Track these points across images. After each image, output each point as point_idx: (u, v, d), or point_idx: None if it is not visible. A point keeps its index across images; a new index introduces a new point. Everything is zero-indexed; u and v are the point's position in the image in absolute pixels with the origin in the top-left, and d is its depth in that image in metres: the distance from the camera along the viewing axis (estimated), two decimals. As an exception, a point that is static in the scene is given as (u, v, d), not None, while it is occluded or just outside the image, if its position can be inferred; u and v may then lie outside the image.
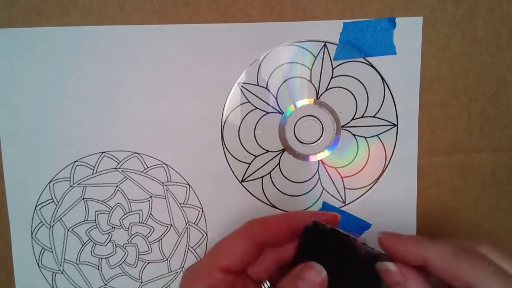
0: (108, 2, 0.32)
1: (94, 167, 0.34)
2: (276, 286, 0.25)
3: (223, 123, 0.33)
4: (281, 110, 0.33)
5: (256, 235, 0.26)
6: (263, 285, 0.27)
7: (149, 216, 0.34)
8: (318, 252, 0.26)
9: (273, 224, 0.27)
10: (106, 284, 0.34)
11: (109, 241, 0.34)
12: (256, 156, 0.34)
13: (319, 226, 0.26)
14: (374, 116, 0.33)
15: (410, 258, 0.24)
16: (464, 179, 0.35)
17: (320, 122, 0.34)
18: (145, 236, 0.34)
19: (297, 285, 0.24)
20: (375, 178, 0.34)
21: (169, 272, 0.35)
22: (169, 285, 0.35)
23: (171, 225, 0.34)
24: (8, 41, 0.32)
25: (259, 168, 0.34)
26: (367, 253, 0.25)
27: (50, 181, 0.34)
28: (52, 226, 0.34)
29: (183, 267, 0.35)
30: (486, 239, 0.27)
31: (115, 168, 0.34)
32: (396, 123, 0.33)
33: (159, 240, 0.34)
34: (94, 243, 0.34)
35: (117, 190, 0.34)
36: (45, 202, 0.34)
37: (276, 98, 0.33)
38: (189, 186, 0.34)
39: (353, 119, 0.33)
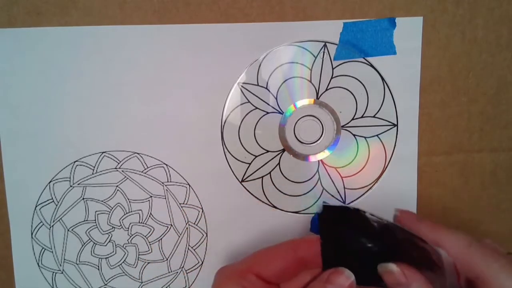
0: (108, 2, 0.32)
1: (94, 167, 0.34)
2: None
3: (223, 123, 0.33)
4: (281, 110, 0.33)
5: (297, 251, 0.27)
6: None
7: (149, 216, 0.34)
8: (336, 231, 0.27)
9: (316, 244, 0.27)
10: (106, 284, 0.34)
11: (109, 241, 0.34)
12: (256, 156, 0.34)
13: (330, 207, 0.27)
14: (374, 116, 0.33)
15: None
16: (464, 179, 0.35)
17: (320, 122, 0.34)
18: (145, 236, 0.34)
19: None
20: (375, 178, 0.34)
21: (169, 272, 0.35)
22: (169, 285, 0.35)
23: (171, 225, 0.34)
24: (8, 41, 0.32)
25: (259, 168, 0.34)
26: (379, 224, 0.26)
27: (50, 181, 0.34)
28: (52, 226, 0.34)
29: (183, 267, 0.35)
30: (487, 237, 0.27)
31: (115, 168, 0.34)
32: (396, 123, 0.34)
33: (159, 240, 0.34)
34: (94, 243, 0.34)
35: (117, 190, 0.34)
36: (45, 202, 0.34)
37: (276, 98, 0.33)
38: (189, 186, 0.34)
39: (353, 119, 0.33)
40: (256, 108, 0.33)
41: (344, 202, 0.34)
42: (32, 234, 0.34)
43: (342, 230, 0.27)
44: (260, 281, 0.26)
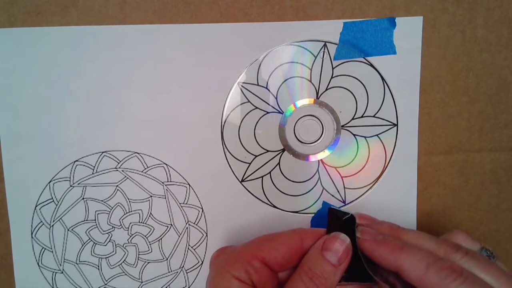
0: (108, 2, 0.32)
1: (94, 167, 0.34)
2: (302, 261, 0.26)
3: (223, 123, 0.33)
4: (281, 110, 0.33)
5: (303, 241, 0.26)
6: None
7: (149, 216, 0.34)
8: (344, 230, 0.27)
9: (323, 235, 0.27)
10: (106, 284, 0.35)
11: (109, 241, 0.34)
12: (256, 156, 0.34)
13: (336, 212, 0.27)
14: (374, 116, 0.33)
15: (385, 264, 0.25)
16: (464, 179, 0.35)
17: (320, 122, 0.34)
18: (145, 236, 0.34)
19: (324, 256, 0.25)
20: (375, 178, 0.34)
21: (169, 272, 0.35)
22: (169, 285, 0.35)
23: (171, 225, 0.34)
24: (8, 41, 0.32)
25: (259, 168, 0.34)
26: None
27: (50, 181, 0.34)
28: (52, 226, 0.34)
29: (183, 267, 0.35)
30: (460, 229, 0.28)
31: (115, 168, 0.34)
32: (396, 123, 0.34)
33: (159, 240, 0.34)
34: (94, 243, 0.34)
35: (117, 190, 0.34)
36: (45, 202, 0.34)
37: (276, 98, 0.33)
38: (189, 186, 0.34)
39: (353, 118, 0.33)
40: (256, 108, 0.33)
41: (344, 202, 0.34)
42: (32, 234, 0.34)
43: (348, 234, 0.27)
44: (265, 268, 0.26)
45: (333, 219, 0.27)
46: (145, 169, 0.34)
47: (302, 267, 0.25)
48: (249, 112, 0.33)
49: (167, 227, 0.34)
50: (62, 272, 0.34)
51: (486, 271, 0.23)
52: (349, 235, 0.26)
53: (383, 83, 0.33)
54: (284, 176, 0.34)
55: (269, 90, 0.33)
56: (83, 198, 0.34)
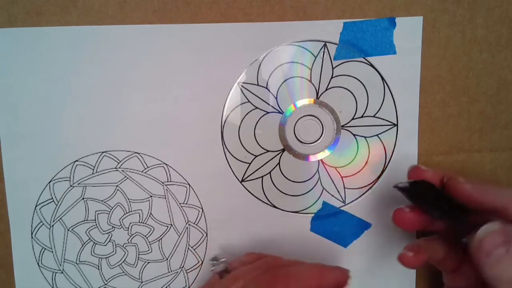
0: (108, 2, 0.32)
1: (94, 167, 0.34)
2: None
3: (223, 123, 0.33)
4: (281, 109, 0.33)
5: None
6: None
7: (149, 216, 0.34)
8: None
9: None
10: (106, 284, 0.35)
11: (109, 241, 0.34)
12: (256, 156, 0.34)
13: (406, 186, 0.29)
14: (374, 116, 0.33)
15: (487, 204, 0.27)
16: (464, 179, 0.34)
17: (320, 122, 0.34)
18: (145, 236, 0.34)
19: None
20: (375, 178, 0.34)
21: (169, 272, 0.35)
22: (169, 285, 0.35)
23: (171, 225, 0.34)
24: (8, 41, 0.32)
25: (259, 168, 0.34)
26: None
27: (50, 181, 0.34)
28: (52, 226, 0.34)
29: (183, 266, 0.35)
30: None
31: (115, 168, 0.34)
32: (396, 123, 0.34)
33: (159, 240, 0.34)
34: (94, 243, 0.34)
35: (117, 190, 0.34)
36: (45, 201, 0.34)
37: (276, 98, 0.33)
38: (189, 186, 0.34)
39: (353, 118, 0.33)
40: (256, 108, 0.33)
41: (344, 202, 0.34)
42: (32, 234, 0.34)
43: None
44: None
45: (411, 191, 0.29)
46: (145, 169, 0.34)
47: None
48: (249, 112, 0.33)
49: (167, 227, 0.34)
50: (62, 272, 0.34)
51: None
52: (429, 195, 0.28)
53: (383, 83, 0.33)
54: (284, 176, 0.34)
55: (269, 90, 0.33)
56: (83, 198, 0.34)
